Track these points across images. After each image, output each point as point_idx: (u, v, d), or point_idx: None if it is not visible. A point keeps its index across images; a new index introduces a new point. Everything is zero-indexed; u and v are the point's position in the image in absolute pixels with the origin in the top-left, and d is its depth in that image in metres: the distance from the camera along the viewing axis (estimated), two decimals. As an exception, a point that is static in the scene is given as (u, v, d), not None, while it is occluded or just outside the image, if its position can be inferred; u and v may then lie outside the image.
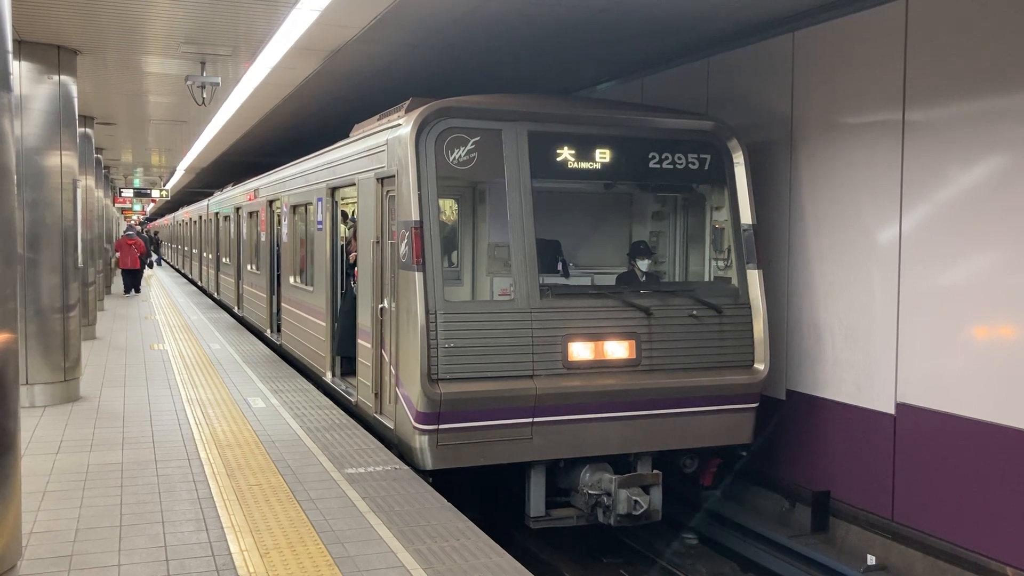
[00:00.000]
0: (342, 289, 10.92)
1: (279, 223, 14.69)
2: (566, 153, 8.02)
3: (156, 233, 58.36)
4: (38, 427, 8.65)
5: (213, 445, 7.93)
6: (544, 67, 11.12)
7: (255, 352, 14.01)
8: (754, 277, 8.41)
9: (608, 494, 7.66)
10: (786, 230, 8.93)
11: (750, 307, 8.37)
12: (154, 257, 44.14)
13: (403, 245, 7.69)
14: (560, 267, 9.34)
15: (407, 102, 8.33)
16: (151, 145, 21.96)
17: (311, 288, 11.96)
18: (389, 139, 8.19)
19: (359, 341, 9.36)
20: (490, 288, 9.43)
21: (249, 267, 18.12)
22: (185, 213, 37.84)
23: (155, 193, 36.52)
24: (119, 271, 26.52)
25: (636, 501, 7.59)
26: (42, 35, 9.39)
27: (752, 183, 8.56)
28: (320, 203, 11.32)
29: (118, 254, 25.91)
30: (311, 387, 10.93)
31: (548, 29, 9.10)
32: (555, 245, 9.45)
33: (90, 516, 6.01)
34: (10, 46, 4.46)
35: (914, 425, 7.51)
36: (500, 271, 9.27)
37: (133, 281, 25.99)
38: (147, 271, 35.12)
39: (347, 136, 10.44)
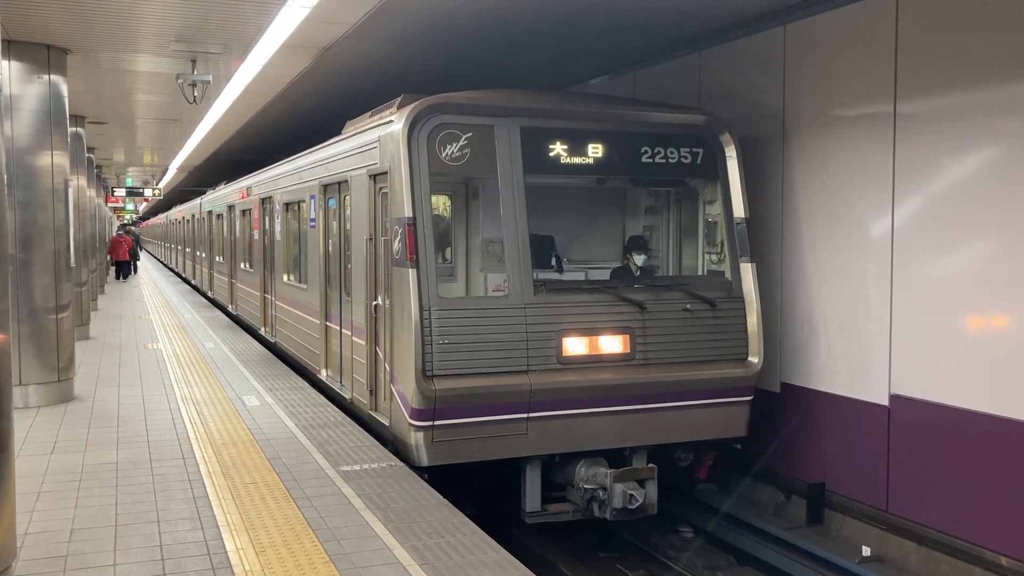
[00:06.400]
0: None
1: (272, 221, 14.67)
2: (559, 148, 8.02)
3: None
4: (32, 428, 8.63)
5: (208, 444, 7.93)
6: (536, 62, 11.11)
7: (249, 350, 14.00)
8: (747, 270, 8.43)
9: (604, 488, 7.67)
10: (779, 223, 8.94)
11: (744, 300, 8.38)
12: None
13: (396, 242, 7.69)
14: (554, 262, 9.34)
15: (399, 98, 8.32)
16: (143, 144, 21.90)
17: (305, 286, 11.94)
18: (381, 136, 8.18)
19: (354, 338, 9.35)
20: (484, 284, 9.42)
21: (242, 265, 18.10)
22: (178, 212, 37.76)
23: (148, 192, 36.41)
24: (111, 263, 33.52)
25: (631, 495, 7.59)
26: (32, 34, 9.35)
27: (745, 176, 8.57)
28: (313, 200, 11.30)
29: (109, 257, 32.44)
30: (306, 385, 10.92)
31: (539, 24, 9.10)
32: (549, 240, 9.45)
33: (85, 516, 6.00)
34: (-1, 46, 4.45)
35: (908, 416, 7.53)
36: (494, 267, 9.27)
37: (124, 270, 33.22)
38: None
39: (339, 133, 10.43)
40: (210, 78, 11.04)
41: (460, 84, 9.93)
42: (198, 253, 28.03)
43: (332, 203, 10.75)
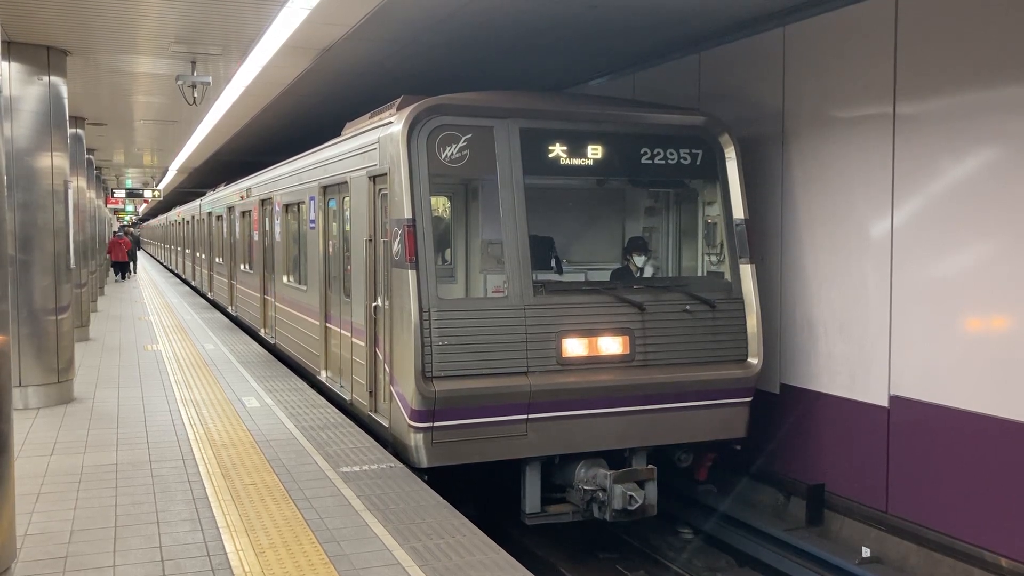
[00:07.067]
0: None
1: (272, 222, 14.68)
2: (558, 149, 8.02)
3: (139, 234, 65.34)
4: (32, 429, 8.63)
5: (208, 445, 7.92)
6: (535, 63, 11.12)
7: (249, 351, 13.99)
8: (747, 271, 8.43)
9: (603, 489, 7.67)
10: (779, 224, 8.94)
11: (743, 301, 8.38)
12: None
13: (396, 243, 7.69)
14: (553, 263, 9.34)
15: (399, 100, 8.33)
16: (143, 145, 21.91)
17: (304, 287, 11.94)
18: (381, 137, 8.18)
19: (353, 340, 9.35)
20: (483, 285, 9.43)
21: (242, 267, 18.10)
22: (177, 213, 37.78)
23: (147, 193, 36.46)
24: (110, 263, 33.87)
25: (631, 496, 7.59)
26: (31, 36, 9.35)
27: (744, 178, 8.57)
28: (312, 202, 11.30)
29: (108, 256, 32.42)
30: (305, 386, 10.92)
31: (539, 25, 9.10)
32: (548, 241, 9.45)
33: (85, 517, 6.00)
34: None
35: (907, 417, 7.54)
36: (493, 268, 9.27)
37: (122, 270, 33.74)
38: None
39: (339, 135, 10.43)
40: (210, 79, 11.04)
41: (460, 85, 9.94)
42: (198, 255, 28.03)
43: (332, 204, 10.76)
